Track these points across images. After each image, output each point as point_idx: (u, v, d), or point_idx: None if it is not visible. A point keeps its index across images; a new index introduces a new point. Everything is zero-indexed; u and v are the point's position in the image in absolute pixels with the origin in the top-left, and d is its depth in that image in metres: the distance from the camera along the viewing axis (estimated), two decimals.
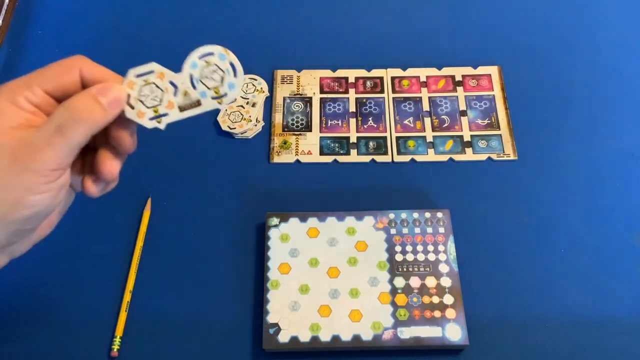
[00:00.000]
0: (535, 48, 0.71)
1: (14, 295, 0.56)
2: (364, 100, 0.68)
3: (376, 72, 0.70)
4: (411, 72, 0.70)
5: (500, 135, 0.65)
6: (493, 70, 0.69)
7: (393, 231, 0.56)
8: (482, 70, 0.69)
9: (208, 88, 0.36)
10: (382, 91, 0.68)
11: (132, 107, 0.36)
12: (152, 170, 0.63)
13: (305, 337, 0.51)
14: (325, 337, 0.51)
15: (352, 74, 0.70)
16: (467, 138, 0.65)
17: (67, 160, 0.34)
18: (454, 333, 0.51)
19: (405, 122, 0.66)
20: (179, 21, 0.74)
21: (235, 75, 0.36)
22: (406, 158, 0.64)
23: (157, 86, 0.36)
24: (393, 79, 0.69)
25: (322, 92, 0.68)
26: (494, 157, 0.63)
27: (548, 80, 0.68)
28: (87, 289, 0.56)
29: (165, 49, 0.71)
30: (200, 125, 0.65)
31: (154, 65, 0.36)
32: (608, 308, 0.54)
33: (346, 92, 0.68)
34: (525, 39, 0.72)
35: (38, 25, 0.74)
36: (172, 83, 0.36)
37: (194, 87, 0.36)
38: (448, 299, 0.52)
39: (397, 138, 0.65)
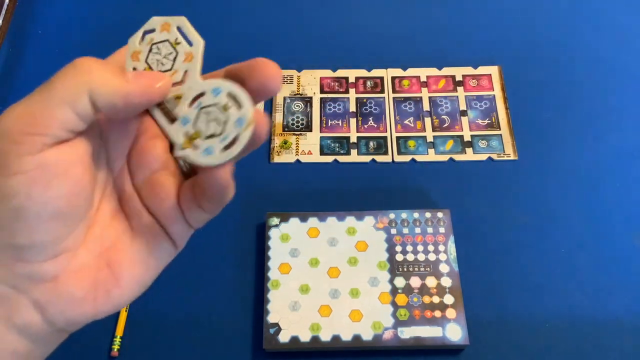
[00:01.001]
0: (536, 48, 0.71)
1: None
2: (365, 100, 0.67)
3: (376, 72, 0.70)
4: (411, 72, 0.70)
5: (501, 135, 0.65)
6: (493, 70, 0.69)
7: (393, 231, 0.56)
8: (482, 70, 0.69)
9: (195, 123, 0.26)
10: (382, 91, 0.68)
11: (139, 42, 0.28)
12: None
13: (305, 337, 0.51)
14: (325, 337, 0.51)
15: (352, 74, 0.70)
16: (467, 138, 0.65)
17: (52, 123, 0.23)
18: (454, 333, 0.51)
19: (406, 122, 0.66)
20: None
21: (224, 149, 0.26)
22: (406, 158, 0.64)
23: (175, 59, 0.27)
24: (393, 78, 0.69)
25: (322, 92, 0.68)
26: (495, 157, 0.63)
27: (548, 80, 0.68)
28: None
29: None
30: None
31: (199, 43, 0.27)
32: (608, 308, 0.54)
33: (346, 92, 0.68)
34: (526, 39, 0.72)
35: (38, 25, 0.74)
36: (185, 73, 0.27)
37: (191, 104, 0.27)
38: (448, 299, 0.52)
39: (398, 138, 0.65)
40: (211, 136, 0.26)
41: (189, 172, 0.28)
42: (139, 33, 0.28)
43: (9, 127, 0.23)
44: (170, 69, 0.27)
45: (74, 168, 0.24)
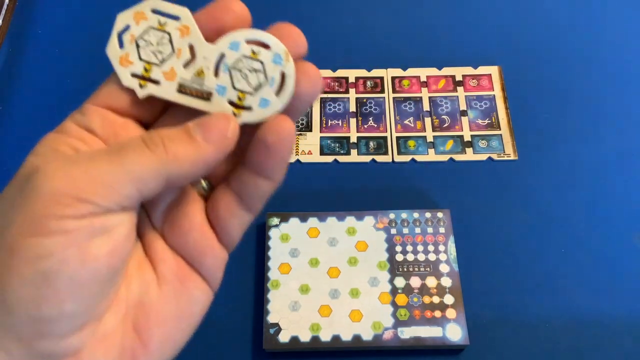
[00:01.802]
0: (536, 48, 0.71)
1: None
2: (364, 100, 0.67)
3: (376, 72, 0.70)
4: (411, 72, 0.70)
5: (501, 135, 0.65)
6: (493, 70, 0.69)
7: (393, 231, 0.56)
8: (482, 70, 0.69)
9: (233, 86, 0.24)
10: (382, 91, 0.68)
11: (121, 46, 0.25)
12: None
13: (305, 337, 0.51)
14: (325, 337, 0.51)
15: (352, 74, 0.70)
16: (467, 138, 0.65)
17: (111, 197, 0.21)
18: (455, 333, 0.51)
19: (406, 122, 0.66)
20: None
21: (277, 92, 0.24)
22: (406, 158, 0.63)
23: (171, 40, 0.24)
24: (393, 78, 0.69)
25: (322, 92, 0.68)
26: (495, 157, 0.63)
27: (548, 80, 0.68)
28: None
29: None
30: None
31: (184, 12, 0.24)
32: (609, 308, 0.54)
33: (346, 92, 0.68)
34: (526, 39, 0.72)
35: (38, 25, 0.74)
36: (191, 48, 0.24)
37: (216, 72, 0.24)
38: (448, 299, 0.52)
39: (398, 138, 0.65)
40: (258, 88, 0.24)
41: (209, 191, 0.26)
42: (113, 38, 0.25)
43: (57, 186, 0.20)
44: (173, 52, 0.24)
45: (117, 228, 0.22)
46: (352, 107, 0.67)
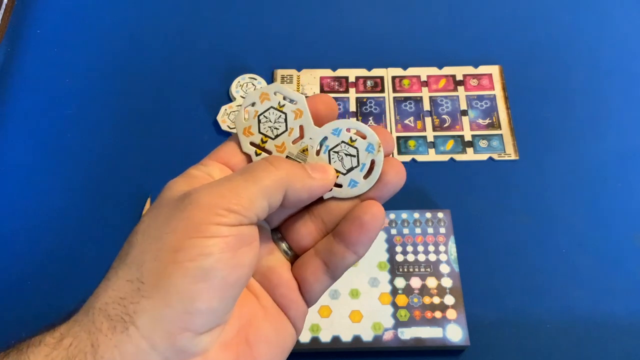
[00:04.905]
0: (537, 47, 0.71)
1: (12, 297, 0.56)
2: (365, 100, 0.67)
3: (377, 72, 0.69)
4: (412, 71, 0.69)
5: (501, 135, 0.64)
6: (494, 70, 0.69)
7: (394, 231, 0.56)
8: (483, 69, 0.69)
9: (330, 164, 0.29)
10: (382, 91, 0.68)
11: (245, 118, 0.30)
12: (151, 170, 0.63)
13: (305, 338, 0.51)
14: (325, 337, 0.51)
15: (352, 74, 0.69)
16: (468, 138, 0.64)
17: (252, 208, 0.25)
18: (455, 334, 0.51)
19: (406, 121, 0.66)
20: (179, 20, 0.74)
21: (365, 176, 0.29)
22: (407, 158, 0.63)
23: (286, 120, 0.29)
24: (394, 78, 0.69)
25: (322, 91, 0.68)
26: (495, 157, 0.63)
27: (549, 79, 0.68)
28: (87, 291, 0.56)
29: (165, 48, 0.71)
30: (200, 125, 0.65)
31: (301, 98, 0.30)
32: (610, 308, 0.54)
33: (346, 91, 0.68)
34: (527, 38, 0.71)
35: (37, 24, 0.74)
36: (300, 128, 0.29)
37: (317, 152, 0.29)
38: (449, 300, 0.52)
39: (398, 138, 0.65)
40: (350, 170, 0.29)
41: (293, 256, 0.30)
42: (242, 111, 0.30)
43: (211, 200, 0.25)
44: (286, 130, 0.29)
45: (256, 242, 0.26)
46: (352, 107, 0.67)
